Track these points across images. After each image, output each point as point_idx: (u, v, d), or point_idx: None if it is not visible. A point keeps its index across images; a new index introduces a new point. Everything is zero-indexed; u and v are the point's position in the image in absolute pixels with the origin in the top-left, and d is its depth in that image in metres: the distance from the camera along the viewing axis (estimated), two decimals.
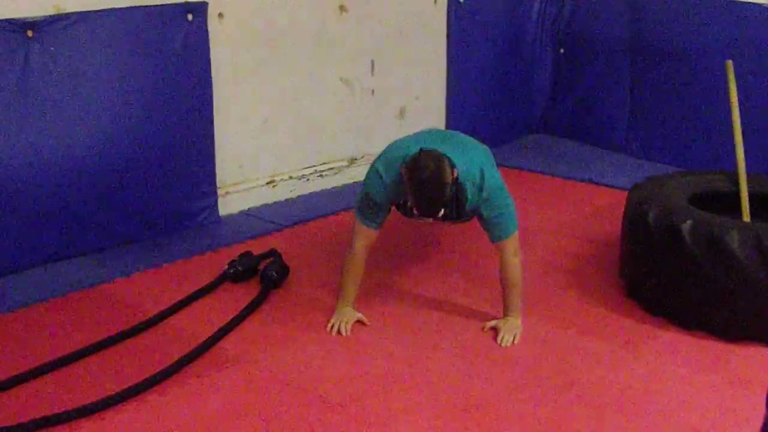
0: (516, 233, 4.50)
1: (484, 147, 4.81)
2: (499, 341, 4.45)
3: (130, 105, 5.44)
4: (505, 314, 4.59)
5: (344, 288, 4.65)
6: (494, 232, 4.47)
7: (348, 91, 6.89)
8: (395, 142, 4.69)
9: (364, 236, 4.58)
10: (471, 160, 4.41)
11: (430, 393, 4.01)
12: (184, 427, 3.73)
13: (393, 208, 4.63)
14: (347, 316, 4.61)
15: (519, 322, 4.57)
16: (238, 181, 6.30)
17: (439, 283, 5.17)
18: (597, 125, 8.08)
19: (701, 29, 7.11)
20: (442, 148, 4.28)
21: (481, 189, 4.37)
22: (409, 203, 4.27)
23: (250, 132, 6.30)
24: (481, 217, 4.47)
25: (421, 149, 4.21)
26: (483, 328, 4.59)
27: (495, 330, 4.55)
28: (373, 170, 4.52)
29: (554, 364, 4.29)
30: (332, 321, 4.60)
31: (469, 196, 4.36)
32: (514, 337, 4.47)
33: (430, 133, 4.68)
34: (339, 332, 4.53)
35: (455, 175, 4.21)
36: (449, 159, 4.20)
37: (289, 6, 6.32)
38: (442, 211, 4.21)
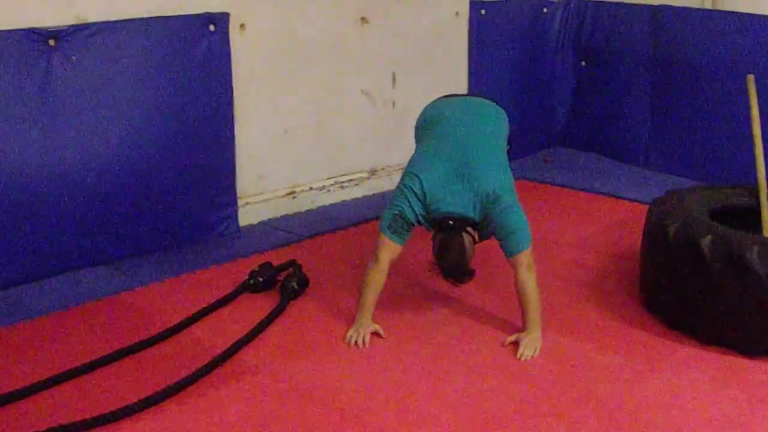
0: (529, 248, 4.54)
1: (499, 123, 5.01)
2: (519, 356, 4.45)
3: (151, 115, 5.47)
4: (525, 328, 4.59)
5: (365, 300, 4.67)
6: (508, 247, 4.53)
7: (369, 103, 6.90)
8: (421, 164, 4.65)
9: (391, 250, 4.62)
10: (488, 180, 4.50)
11: (448, 406, 4.01)
12: None
13: None
14: (365, 328, 4.61)
15: (539, 335, 4.57)
16: (258, 192, 6.32)
17: (458, 296, 5.16)
18: (618, 139, 8.07)
19: (722, 43, 7.10)
20: (463, 201, 4.49)
21: (493, 204, 4.47)
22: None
23: (271, 143, 6.32)
24: (495, 235, 4.55)
25: (447, 235, 4.52)
26: (503, 343, 4.59)
27: (515, 344, 4.55)
28: (403, 198, 4.56)
29: (572, 377, 4.27)
30: (350, 333, 4.61)
31: (479, 218, 4.55)
32: (534, 351, 4.48)
33: (449, 149, 4.67)
34: (356, 344, 4.55)
35: (476, 238, 4.62)
36: (471, 225, 4.54)
37: (310, 17, 6.34)
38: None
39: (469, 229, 4.50)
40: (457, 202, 4.48)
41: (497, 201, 4.47)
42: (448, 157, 4.58)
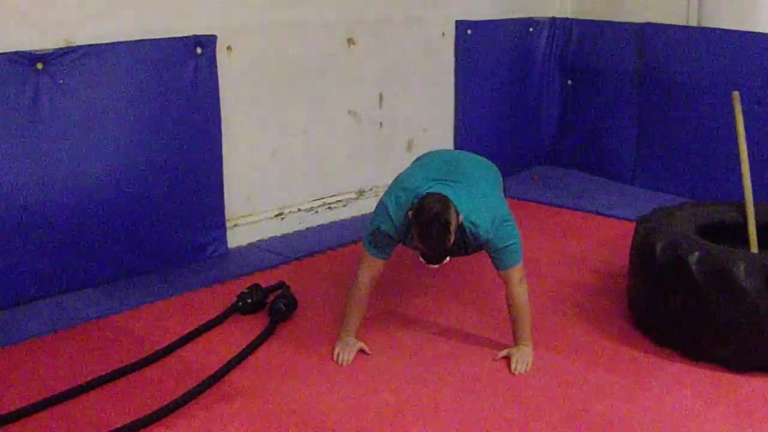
0: (521, 262, 4.53)
1: (491, 169, 4.93)
2: (513, 370, 4.46)
3: (139, 137, 5.47)
4: (517, 343, 4.60)
5: (348, 318, 4.67)
6: (501, 261, 4.49)
7: (356, 124, 6.92)
8: (405, 174, 4.68)
9: (373, 266, 4.59)
10: (479, 201, 4.40)
11: (438, 424, 4.00)
12: None
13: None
14: (350, 346, 4.63)
15: (531, 349, 4.59)
16: (247, 214, 6.32)
17: (446, 312, 5.17)
18: (604, 157, 8.10)
19: (707, 60, 7.13)
20: (449, 189, 4.32)
21: (489, 228, 4.39)
22: (416, 246, 4.29)
23: (259, 164, 6.32)
24: (488, 248, 4.49)
25: (427, 195, 4.25)
26: (495, 358, 4.60)
27: (507, 359, 4.56)
28: (383, 208, 4.52)
29: (561, 395, 4.27)
30: (336, 350, 4.62)
31: (481, 234, 4.38)
32: (527, 365, 4.50)
33: (438, 164, 4.68)
34: (343, 362, 4.56)
35: (460, 221, 4.26)
36: (455, 206, 4.22)
37: (297, 39, 6.36)
38: (448, 258, 4.27)
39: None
40: (450, 189, 4.35)
41: (492, 217, 4.39)
42: (438, 172, 4.54)
